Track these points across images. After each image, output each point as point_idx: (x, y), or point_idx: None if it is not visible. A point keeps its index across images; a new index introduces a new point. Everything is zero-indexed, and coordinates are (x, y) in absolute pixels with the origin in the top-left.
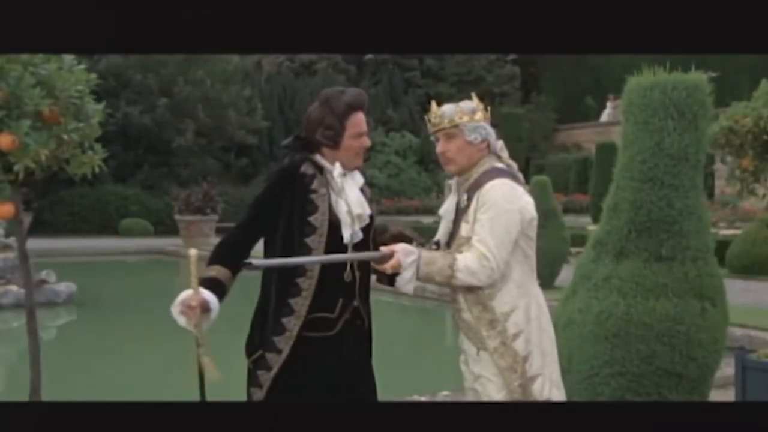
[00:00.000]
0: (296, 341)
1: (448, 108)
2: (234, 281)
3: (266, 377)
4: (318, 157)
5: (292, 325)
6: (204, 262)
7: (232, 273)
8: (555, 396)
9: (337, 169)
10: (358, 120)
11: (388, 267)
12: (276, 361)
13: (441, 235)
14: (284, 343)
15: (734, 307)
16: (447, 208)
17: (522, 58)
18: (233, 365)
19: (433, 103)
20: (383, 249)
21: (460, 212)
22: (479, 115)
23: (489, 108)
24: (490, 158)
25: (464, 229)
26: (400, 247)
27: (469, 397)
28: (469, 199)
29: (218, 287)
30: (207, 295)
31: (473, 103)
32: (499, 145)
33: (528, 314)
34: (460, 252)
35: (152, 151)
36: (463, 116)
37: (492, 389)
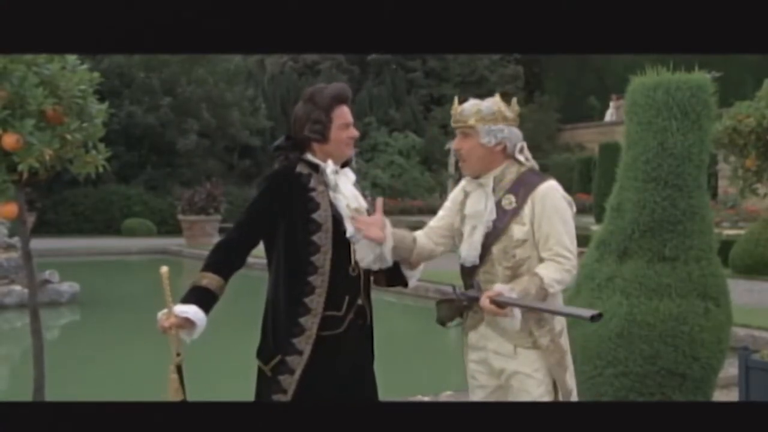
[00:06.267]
0: (315, 341)
1: (468, 107)
2: (226, 286)
3: (290, 381)
4: (310, 156)
5: (310, 323)
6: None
7: (225, 279)
8: (575, 385)
9: (330, 166)
10: (344, 111)
11: (509, 312)
12: (299, 362)
13: (478, 234)
14: (304, 343)
15: (737, 307)
16: (480, 208)
17: (525, 58)
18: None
19: (455, 100)
20: (488, 295)
21: (505, 213)
22: (500, 118)
23: (513, 108)
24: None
25: (519, 231)
26: (501, 288)
27: (477, 396)
28: (519, 201)
29: (207, 298)
30: (189, 310)
31: (494, 106)
32: (519, 147)
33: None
34: (514, 255)
35: (155, 151)
36: (481, 118)
37: (532, 385)
